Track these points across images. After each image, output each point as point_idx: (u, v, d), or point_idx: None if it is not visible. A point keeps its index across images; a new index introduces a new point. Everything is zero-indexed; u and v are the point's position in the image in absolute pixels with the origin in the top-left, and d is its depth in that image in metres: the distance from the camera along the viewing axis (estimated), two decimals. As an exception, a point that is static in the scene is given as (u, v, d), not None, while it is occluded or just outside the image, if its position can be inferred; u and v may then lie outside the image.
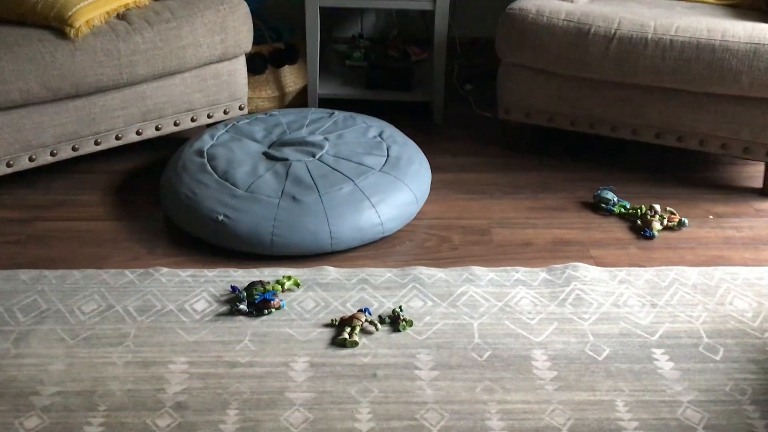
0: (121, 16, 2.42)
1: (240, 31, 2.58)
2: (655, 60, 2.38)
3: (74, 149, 2.42)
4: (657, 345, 1.85)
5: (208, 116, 2.66)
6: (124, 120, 2.47)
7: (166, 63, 2.45)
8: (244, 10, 2.59)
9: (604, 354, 1.82)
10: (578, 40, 2.45)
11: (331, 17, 3.28)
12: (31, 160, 2.36)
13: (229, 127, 2.55)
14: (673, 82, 2.40)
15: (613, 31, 2.42)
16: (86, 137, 2.43)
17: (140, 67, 2.40)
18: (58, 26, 2.29)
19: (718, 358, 1.82)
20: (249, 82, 2.83)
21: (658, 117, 2.49)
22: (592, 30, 2.44)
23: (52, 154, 2.39)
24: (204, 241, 2.21)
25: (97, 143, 2.46)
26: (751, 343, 1.86)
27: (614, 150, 2.77)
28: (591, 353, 1.82)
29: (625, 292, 2.03)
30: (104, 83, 2.36)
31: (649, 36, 2.39)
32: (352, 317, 1.89)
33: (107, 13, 2.37)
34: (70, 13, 2.27)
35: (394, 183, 2.29)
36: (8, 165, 2.32)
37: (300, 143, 2.43)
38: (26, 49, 2.23)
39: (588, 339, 1.87)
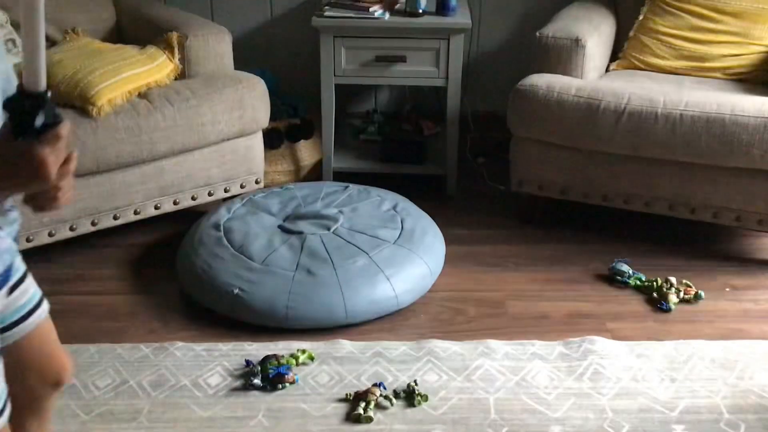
0: (143, 95, 2.48)
1: (258, 108, 2.65)
2: (666, 134, 2.41)
3: (93, 224, 2.46)
4: (677, 421, 1.82)
5: (225, 190, 2.70)
6: (143, 195, 2.51)
7: (185, 140, 2.50)
8: (262, 88, 2.66)
9: (624, 430, 1.79)
10: (589, 114, 2.48)
11: (346, 93, 3.36)
12: (50, 235, 2.39)
13: (245, 200, 2.59)
14: (684, 156, 2.42)
15: (623, 105, 2.45)
16: (105, 212, 2.47)
17: (160, 144, 2.45)
18: (81, 105, 2.35)
19: (740, 434, 1.78)
20: (265, 157, 2.87)
21: (671, 190, 2.50)
22: (602, 105, 2.47)
23: (72, 229, 2.43)
24: (219, 313, 2.22)
25: (115, 218, 2.49)
26: (773, 419, 1.83)
27: (628, 222, 2.77)
28: (610, 429, 1.79)
29: (644, 367, 2.00)
30: (125, 160, 2.41)
31: (659, 110, 2.41)
32: (367, 392, 1.88)
33: (129, 92, 2.43)
34: (92, 93, 2.34)
35: (408, 256, 2.30)
36: (28, 240, 2.35)
37: (315, 216, 2.45)
38: (50, 126, 2.28)
39: (607, 415, 1.84)
